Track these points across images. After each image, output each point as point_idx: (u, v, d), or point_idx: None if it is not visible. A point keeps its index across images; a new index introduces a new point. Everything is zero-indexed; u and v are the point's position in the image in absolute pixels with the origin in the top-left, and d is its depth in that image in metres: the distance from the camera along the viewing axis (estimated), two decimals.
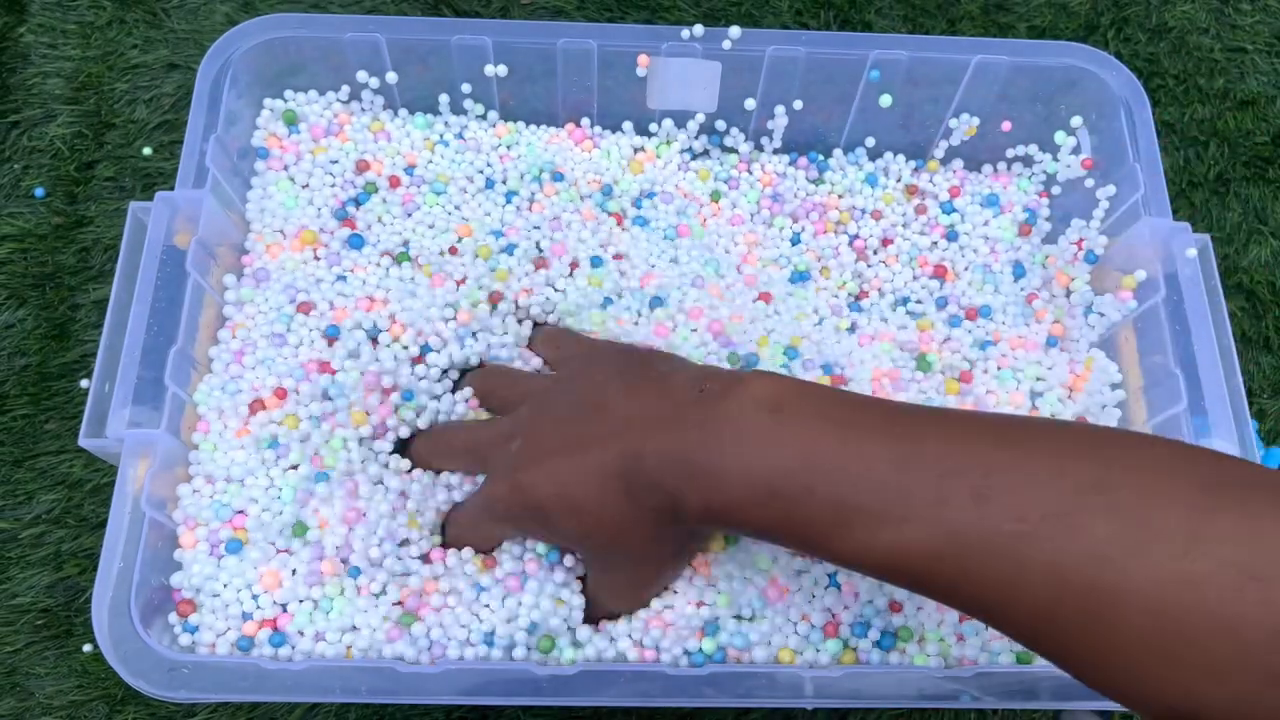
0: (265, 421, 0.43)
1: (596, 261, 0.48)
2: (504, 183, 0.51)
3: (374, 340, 0.45)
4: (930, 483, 0.29)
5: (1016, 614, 0.29)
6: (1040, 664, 0.40)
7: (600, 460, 0.34)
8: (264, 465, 0.42)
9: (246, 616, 0.40)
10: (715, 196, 0.53)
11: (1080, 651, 0.28)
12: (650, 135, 0.53)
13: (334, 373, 0.44)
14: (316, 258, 0.48)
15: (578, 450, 0.35)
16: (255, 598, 0.41)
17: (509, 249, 0.48)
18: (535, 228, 0.49)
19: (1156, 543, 0.26)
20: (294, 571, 0.41)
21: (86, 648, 0.49)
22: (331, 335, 0.45)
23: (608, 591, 0.40)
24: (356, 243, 0.48)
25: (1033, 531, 0.27)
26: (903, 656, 0.41)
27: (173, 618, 0.40)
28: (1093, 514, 0.27)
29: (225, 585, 0.41)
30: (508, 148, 0.52)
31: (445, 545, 0.42)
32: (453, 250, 0.48)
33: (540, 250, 0.49)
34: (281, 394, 0.43)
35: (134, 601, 0.37)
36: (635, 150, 0.53)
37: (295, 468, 0.42)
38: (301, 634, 0.40)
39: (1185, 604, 0.26)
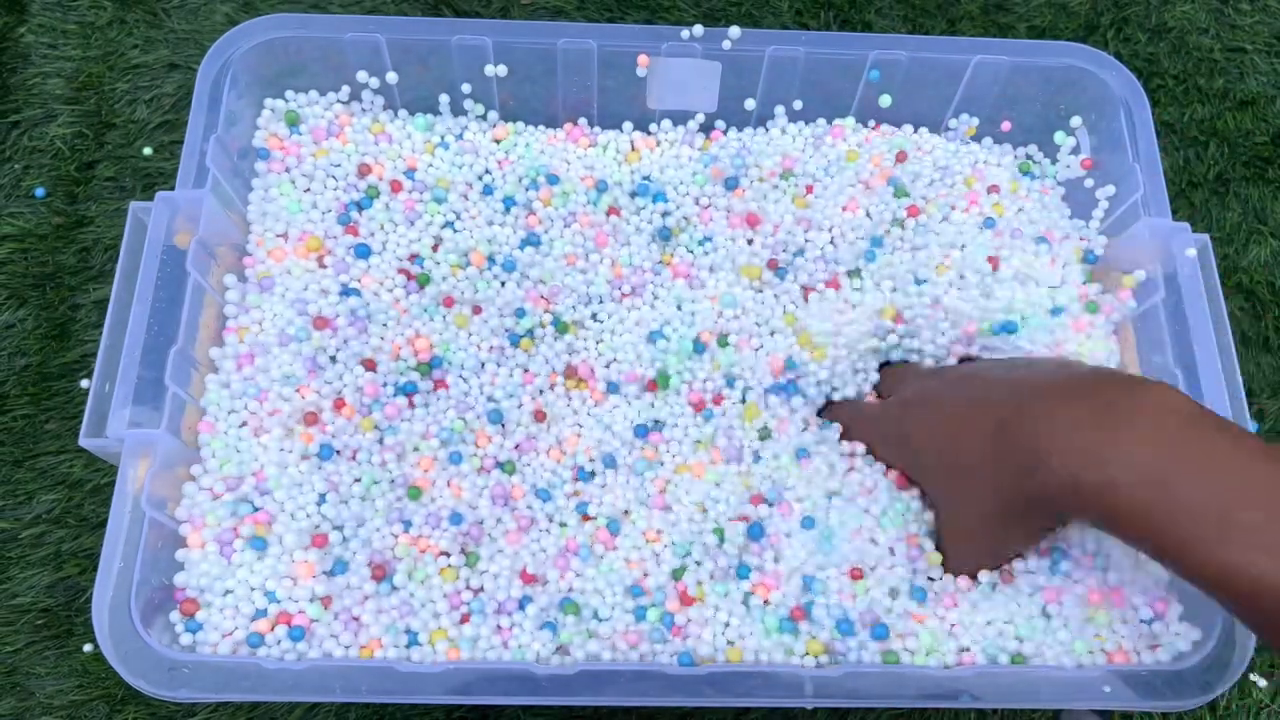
0: (318, 431, 0.44)
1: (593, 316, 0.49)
2: (502, 188, 0.51)
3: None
4: None
5: None
6: (1040, 664, 0.40)
7: (973, 412, 0.38)
8: (293, 465, 0.43)
9: (260, 614, 0.40)
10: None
11: None
12: (650, 135, 0.53)
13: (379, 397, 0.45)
14: (322, 265, 0.48)
15: (957, 401, 0.40)
16: (269, 594, 0.41)
17: (519, 313, 0.48)
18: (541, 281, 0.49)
19: None
20: (321, 570, 0.41)
21: (87, 647, 0.49)
22: (393, 386, 0.46)
23: (959, 539, 0.42)
24: (363, 252, 0.48)
25: None
26: (902, 656, 0.41)
27: (174, 616, 0.40)
28: None
29: (239, 582, 0.41)
30: (505, 153, 0.52)
31: (844, 435, 0.46)
32: (476, 310, 0.48)
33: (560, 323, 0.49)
34: (340, 404, 0.44)
35: (134, 601, 0.37)
36: (633, 146, 0.53)
37: (358, 480, 0.43)
38: (334, 634, 0.41)
39: None
